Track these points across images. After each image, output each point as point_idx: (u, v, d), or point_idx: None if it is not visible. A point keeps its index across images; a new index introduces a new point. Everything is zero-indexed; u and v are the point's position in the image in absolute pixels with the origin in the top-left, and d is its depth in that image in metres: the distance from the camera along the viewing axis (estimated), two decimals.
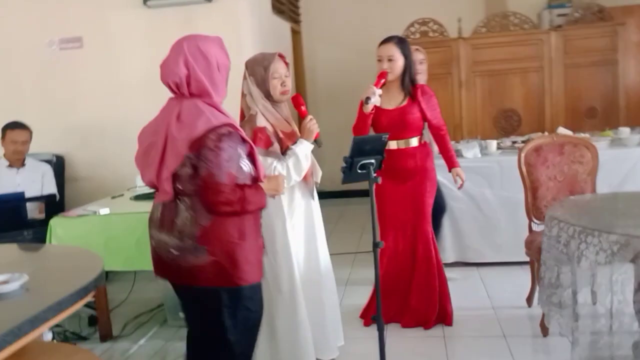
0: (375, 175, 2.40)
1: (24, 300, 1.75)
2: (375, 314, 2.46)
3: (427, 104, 3.35)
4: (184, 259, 2.08)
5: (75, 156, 5.18)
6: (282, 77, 2.70)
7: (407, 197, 3.40)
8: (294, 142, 2.68)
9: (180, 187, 2.06)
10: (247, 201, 2.06)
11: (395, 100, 3.39)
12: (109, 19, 5.02)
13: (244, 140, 2.09)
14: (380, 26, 6.31)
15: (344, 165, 2.36)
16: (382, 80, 3.30)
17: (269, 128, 2.67)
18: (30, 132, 4.22)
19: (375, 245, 2.42)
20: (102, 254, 3.28)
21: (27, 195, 4.06)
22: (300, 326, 2.76)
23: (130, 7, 4.97)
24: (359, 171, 2.36)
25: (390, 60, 3.31)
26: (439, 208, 3.98)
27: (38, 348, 2.06)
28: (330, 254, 4.46)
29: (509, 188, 4.11)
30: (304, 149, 2.65)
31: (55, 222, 3.37)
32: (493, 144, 4.48)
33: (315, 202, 2.88)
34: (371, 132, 3.34)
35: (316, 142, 2.69)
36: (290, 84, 2.76)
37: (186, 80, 2.06)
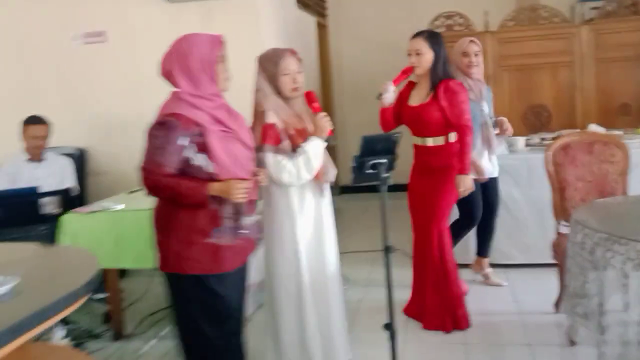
0: (386, 175, 2.25)
1: (12, 306, 1.65)
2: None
3: (448, 101, 3.17)
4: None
5: (97, 150, 5.14)
6: (293, 73, 2.60)
7: (425, 194, 3.31)
8: (306, 140, 2.57)
9: None
10: (178, 193, 2.10)
11: (420, 96, 3.28)
12: (132, 13, 4.96)
13: (192, 133, 2.09)
14: (408, 21, 6.17)
15: (353, 164, 2.22)
16: (404, 77, 3.19)
17: (279, 125, 2.57)
18: (49, 126, 4.17)
19: (387, 249, 2.27)
20: (113, 251, 3.27)
21: (47, 189, 4.03)
22: (307, 327, 2.67)
23: (153, 1, 4.89)
24: (370, 171, 2.21)
25: (418, 54, 3.20)
26: (489, 208, 3.80)
27: (34, 351, 1.97)
28: (351, 252, 4.34)
29: (538, 187, 3.91)
30: (315, 147, 2.54)
31: (67, 218, 3.31)
32: (521, 141, 4.28)
33: (326, 201, 2.76)
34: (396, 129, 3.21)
35: (329, 139, 2.57)
36: (302, 80, 2.65)
37: (168, 76, 2.18)
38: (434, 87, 3.21)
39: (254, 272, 3.55)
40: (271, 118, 2.56)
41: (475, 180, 3.48)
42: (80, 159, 5.01)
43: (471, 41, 3.70)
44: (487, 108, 3.69)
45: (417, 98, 3.29)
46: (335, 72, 7.64)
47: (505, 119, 3.74)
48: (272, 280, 2.70)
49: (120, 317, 3.57)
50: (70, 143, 4.98)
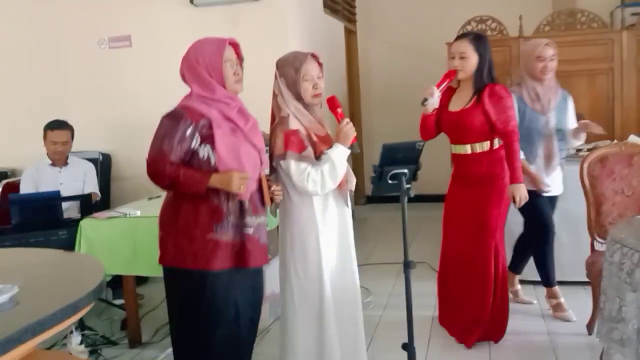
0: (408, 186, 2.13)
1: (9, 316, 1.58)
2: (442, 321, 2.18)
3: (493, 106, 3.01)
4: None
5: (122, 155, 5.14)
6: (314, 79, 2.50)
7: (470, 206, 3.13)
8: (329, 147, 2.46)
9: None
10: (178, 181, 2.13)
11: (462, 101, 3.12)
12: (157, 17, 4.96)
13: (197, 124, 2.15)
14: (439, 26, 6.02)
15: (373, 174, 2.10)
16: (447, 81, 3.06)
17: (302, 131, 2.47)
18: (72, 131, 4.15)
19: (406, 265, 2.15)
20: (129, 257, 3.21)
21: (69, 194, 4.02)
22: (327, 343, 2.54)
23: (178, 5, 4.89)
24: (390, 181, 2.10)
25: (462, 57, 3.04)
26: (542, 226, 3.50)
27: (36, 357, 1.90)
28: (372, 264, 4.20)
29: (573, 200, 3.71)
30: (340, 154, 2.42)
31: (85, 224, 3.28)
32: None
33: (349, 211, 2.65)
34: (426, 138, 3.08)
35: (352, 147, 2.44)
36: (323, 86, 2.55)
37: (182, 78, 2.26)
38: (478, 91, 3.06)
39: (270, 284, 3.49)
40: (293, 124, 2.46)
41: (534, 192, 3.30)
42: (104, 164, 5.01)
43: (546, 44, 3.41)
44: (554, 120, 3.40)
45: (458, 103, 3.13)
46: (363, 78, 7.53)
47: (588, 122, 3.46)
48: (292, 293, 2.57)
49: (137, 324, 3.51)
50: (95, 147, 4.99)
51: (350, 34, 7.24)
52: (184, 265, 2.21)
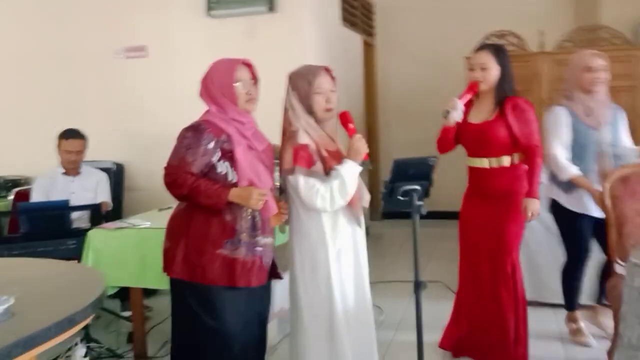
0: (420, 203, 2.06)
1: (2, 329, 1.54)
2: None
3: (516, 119, 2.94)
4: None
5: (135, 165, 5.13)
6: (326, 92, 2.46)
7: (488, 223, 3.04)
8: (339, 162, 2.41)
9: None
10: (197, 191, 2.15)
11: (483, 114, 3.04)
12: (173, 28, 4.97)
13: (218, 139, 2.21)
14: (458, 40, 5.96)
15: (383, 190, 2.04)
16: (470, 94, 3.00)
17: (312, 146, 2.42)
18: (86, 141, 4.16)
19: (417, 285, 2.08)
20: (137, 269, 3.17)
21: (81, 203, 4.01)
22: None
23: (194, 16, 4.89)
24: (401, 198, 2.03)
25: (483, 69, 2.97)
26: (581, 250, 3.35)
27: None
28: (384, 282, 4.11)
29: None
30: (350, 170, 2.36)
31: (93, 234, 3.25)
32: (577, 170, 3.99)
33: (362, 229, 2.58)
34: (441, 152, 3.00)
35: (364, 163, 2.39)
36: (335, 100, 2.50)
37: (202, 97, 2.35)
38: (500, 103, 2.99)
39: (279, 300, 3.43)
40: (303, 138, 2.41)
41: (580, 215, 3.21)
42: (117, 174, 5.01)
43: (594, 54, 3.27)
44: (610, 135, 3.24)
45: (479, 115, 3.04)
46: (380, 92, 7.49)
47: None
48: (302, 311, 2.51)
49: (143, 337, 3.47)
50: (109, 157, 4.99)
51: (368, 47, 7.20)
52: (191, 279, 2.23)
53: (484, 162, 3.03)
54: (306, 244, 2.47)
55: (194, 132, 2.21)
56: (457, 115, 2.97)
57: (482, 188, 3.07)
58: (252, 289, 2.30)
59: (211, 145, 2.20)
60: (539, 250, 3.85)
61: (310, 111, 2.45)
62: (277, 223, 2.40)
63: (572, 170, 3.18)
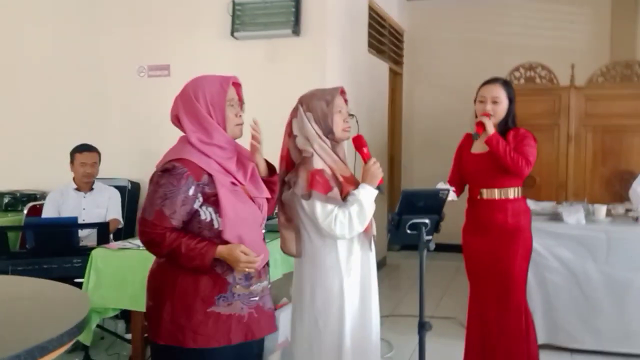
0: (428, 238, 1.93)
1: None
2: None
3: (517, 143, 2.92)
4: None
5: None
6: (344, 113, 2.39)
7: (492, 259, 2.94)
8: (355, 187, 2.31)
9: None
10: (178, 253, 1.86)
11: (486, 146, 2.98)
12: (197, 48, 4.95)
13: (199, 183, 1.90)
14: (488, 73, 5.78)
15: (390, 222, 1.92)
16: (479, 133, 2.95)
17: (327, 171, 2.32)
18: (99, 154, 4.14)
19: (421, 325, 1.94)
20: (137, 292, 3.06)
21: (91, 220, 3.96)
22: None
23: (218, 38, 4.88)
24: (408, 232, 1.90)
25: (494, 102, 2.96)
26: None
27: None
28: (399, 315, 3.96)
29: (617, 264, 3.44)
30: (368, 196, 2.26)
31: (97, 253, 3.17)
32: (602, 209, 3.83)
33: (373, 255, 2.45)
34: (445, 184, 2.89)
35: (379, 188, 2.29)
36: (349, 122, 2.42)
37: (177, 120, 2.00)
38: (503, 134, 2.96)
39: (284, 331, 3.29)
40: (318, 163, 2.32)
41: None
42: (132, 192, 4.96)
43: None
44: None
45: (483, 146, 2.99)
46: (405, 121, 7.38)
47: None
48: (310, 345, 2.38)
49: None
50: (125, 175, 4.96)
51: (395, 76, 7.14)
52: (182, 344, 1.91)
53: (487, 194, 2.98)
54: (319, 274, 2.35)
55: (169, 178, 1.87)
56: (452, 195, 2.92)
57: (484, 220, 3.00)
58: (253, 342, 2.04)
59: (191, 191, 1.87)
60: (556, 292, 3.67)
61: (328, 132, 2.35)
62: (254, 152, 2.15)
63: None
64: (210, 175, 1.90)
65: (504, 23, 6.85)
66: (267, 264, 2.12)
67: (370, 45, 5.94)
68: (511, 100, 3.00)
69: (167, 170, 1.88)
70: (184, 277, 1.91)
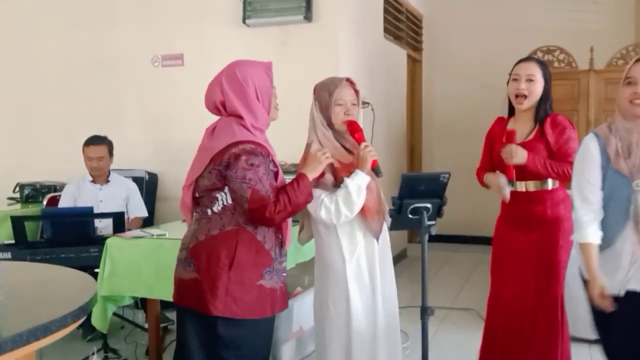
0: (430, 223, 1.96)
1: None
2: None
3: (556, 135, 2.77)
4: (177, 270, 2.18)
5: (168, 175, 5.17)
6: (346, 104, 2.45)
7: (531, 251, 2.84)
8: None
9: (197, 196, 2.16)
10: (294, 200, 2.07)
11: (521, 133, 2.85)
12: (209, 37, 5.00)
13: (269, 159, 2.12)
14: (507, 57, 5.75)
15: (391, 207, 1.95)
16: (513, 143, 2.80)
17: None
18: (109, 147, 4.18)
19: (424, 310, 1.98)
20: (152, 280, 3.15)
21: (108, 211, 4.05)
22: None
23: (230, 25, 4.91)
24: (410, 216, 1.94)
25: (530, 80, 2.78)
26: None
27: None
28: (417, 306, 3.96)
29: None
30: (357, 181, 2.32)
31: (111, 242, 3.26)
32: None
33: (382, 245, 2.50)
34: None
35: (374, 170, 2.33)
36: (356, 113, 2.49)
37: (221, 105, 2.15)
38: (540, 121, 2.82)
39: (298, 320, 3.35)
40: (314, 149, 2.40)
41: None
42: (150, 183, 5.05)
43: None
44: None
45: (518, 135, 2.83)
46: (425, 109, 7.36)
47: None
48: (323, 326, 2.52)
49: (159, 350, 3.44)
50: (143, 166, 5.05)
51: (414, 63, 7.11)
52: (235, 315, 2.07)
53: (522, 186, 2.84)
54: (326, 260, 2.47)
55: (256, 157, 2.06)
56: (507, 192, 2.84)
57: (521, 214, 2.87)
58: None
59: (272, 166, 2.13)
60: (576, 282, 3.63)
61: (329, 122, 2.45)
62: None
63: (587, 234, 2.23)
64: (271, 155, 2.14)
65: (524, 5, 6.76)
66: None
67: (387, 30, 5.92)
68: (547, 81, 2.83)
69: (251, 153, 2.04)
70: (241, 250, 2.06)
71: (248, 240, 2.09)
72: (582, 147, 2.24)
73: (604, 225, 2.19)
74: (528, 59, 2.93)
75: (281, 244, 2.23)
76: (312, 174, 2.18)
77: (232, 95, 2.10)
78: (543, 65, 2.87)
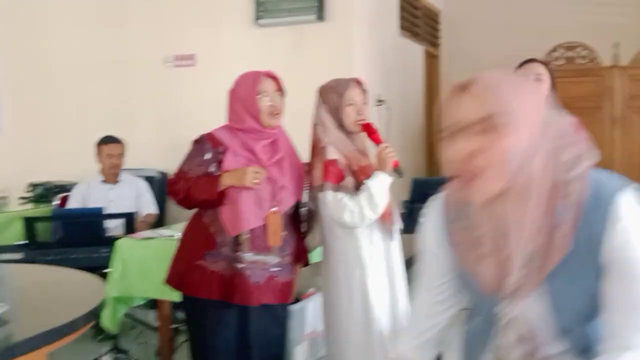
0: None
1: None
2: None
3: None
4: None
5: None
6: (358, 104, 2.48)
7: None
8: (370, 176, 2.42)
9: None
10: (194, 189, 2.27)
11: None
12: (222, 37, 5.06)
13: (216, 150, 2.34)
14: (527, 53, 5.68)
15: (402, 210, 1.98)
16: None
17: (342, 161, 2.45)
18: (124, 146, 4.29)
19: None
20: (161, 282, 3.21)
21: (119, 212, 4.11)
22: None
23: (242, 26, 4.96)
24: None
25: (538, 79, 2.83)
26: None
27: None
28: None
29: None
30: (379, 183, 2.38)
31: (122, 243, 3.32)
32: None
33: (396, 246, 2.56)
34: None
35: (396, 171, 2.40)
36: (367, 113, 2.53)
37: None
38: None
39: (311, 322, 3.38)
40: (332, 154, 2.45)
41: None
42: (162, 183, 5.11)
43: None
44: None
45: None
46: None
47: None
48: (338, 332, 2.52)
49: (170, 351, 3.50)
50: (154, 165, 5.12)
51: (431, 59, 7.10)
52: (179, 289, 2.44)
53: None
54: (342, 265, 2.48)
55: (194, 145, 2.41)
56: None
57: None
58: (245, 309, 2.32)
59: (208, 156, 2.33)
60: None
61: (340, 124, 2.48)
62: (277, 244, 2.38)
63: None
64: (225, 147, 2.32)
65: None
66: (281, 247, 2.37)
67: (403, 27, 5.93)
68: (552, 83, 2.87)
69: (195, 141, 2.42)
70: (186, 233, 2.44)
71: (196, 222, 2.41)
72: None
73: None
74: (532, 59, 2.97)
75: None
76: (228, 181, 2.26)
77: (227, 103, 2.42)
78: (548, 66, 2.95)
